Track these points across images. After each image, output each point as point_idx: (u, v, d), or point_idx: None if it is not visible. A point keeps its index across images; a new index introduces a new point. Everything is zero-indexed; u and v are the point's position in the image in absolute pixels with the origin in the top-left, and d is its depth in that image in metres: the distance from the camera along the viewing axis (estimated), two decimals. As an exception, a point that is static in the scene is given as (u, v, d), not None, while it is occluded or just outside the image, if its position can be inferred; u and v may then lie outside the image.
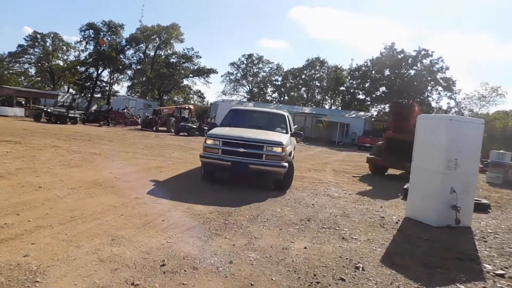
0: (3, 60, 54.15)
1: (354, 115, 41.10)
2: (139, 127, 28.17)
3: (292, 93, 57.42)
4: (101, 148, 12.67)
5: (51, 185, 6.77)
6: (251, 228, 5.47)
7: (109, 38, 44.39)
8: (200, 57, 51.28)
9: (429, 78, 44.73)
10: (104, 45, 42.42)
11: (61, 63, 52.28)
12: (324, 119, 35.99)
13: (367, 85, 48.17)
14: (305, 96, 57.15)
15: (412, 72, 45.41)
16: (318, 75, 55.18)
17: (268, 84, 59.77)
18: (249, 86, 60.57)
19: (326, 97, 56.84)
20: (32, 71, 53.82)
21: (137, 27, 47.84)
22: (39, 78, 56.51)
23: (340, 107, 53.42)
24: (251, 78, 60.01)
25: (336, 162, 17.09)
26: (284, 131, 9.20)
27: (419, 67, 44.58)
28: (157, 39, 48.37)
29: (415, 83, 43.65)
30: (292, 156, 9.54)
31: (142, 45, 47.47)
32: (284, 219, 6.10)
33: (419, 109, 13.11)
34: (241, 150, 7.83)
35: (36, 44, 48.81)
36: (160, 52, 49.91)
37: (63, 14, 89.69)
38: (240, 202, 6.79)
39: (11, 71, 57.09)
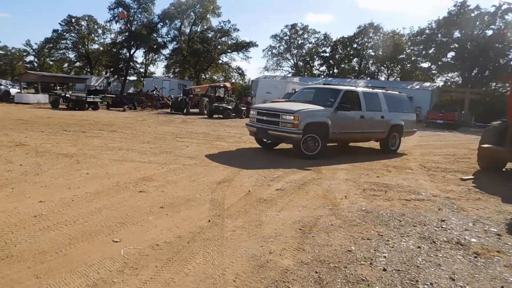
0: (43, 48, 53.16)
1: (418, 87, 34.96)
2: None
3: (343, 65, 51.23)
4: (85, 145, 8.98)
5: None
6: None
7: (140, 16, 40.92)
8: (238, 30, 46.69)
9: (512, 38, 36.87)
10: (124, 19, 38.93)
11: (98, 46, 50.34)
12: (383, 93, 30.46)
13: (431, 51, 41.10)
14: (357, 67, 50.87)
15: (489, 32, 37.63)
16: (372, 43, 48.47)
17: (315, 57, 53.79)
18: (293, 60, 55.07)
19: (382, 67, 50.11)
20: (72, 56, 52.30)
21: (171, 2, 44.13)
22: (79, 64, 55.20)
23: (398, 78, 46.85)
24: (295, 51, 54.32)
25: (416, 150, 12.35)
26: (329, 104, 9.45)
27: (499, 25, 36.74)
28: (192, 14, 44.25)
29: (496, 44, 36.03)
30: (396, 142, 11.28)
31: (176, 21, 43.73)
32: None
33: None
34: (264, 118, 9.35)
35: (71, 28, 46.70)
36: (196, 28, 45.84)
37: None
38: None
39: (52, 58, 56.34)
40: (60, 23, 47.01)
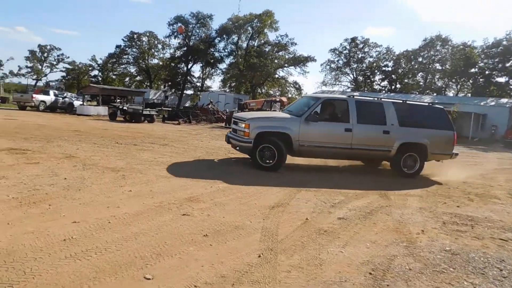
0: (107, 62, 56.51)
1: (493, 103, 31.93)
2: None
3: (406, 80, 48.62)
4: (134, 158, 8.72)
5: None
6: None
7: (198, 31, 42.14)
8: (296, 43, 46.06)
9: None
10: (183, 34, 40.03)
11: (157, 61, 52.62)
12: (454, 109, 27.89)
13: (509, 64, 37.59)
14: (422, 83, 47.96)
15: None
16: (439, 56, 45.45)
17: (375, 71, 51.73)
18: (353, 75, 53.40)
19: (451, 82, 46.78)
20: (133, 70, 55.12)
21: (228, 18, 44.90)
22: (140, 78, 57.94)
23: (469, 94, 43.41)
24: (355, 65, 52.60)
25: (498, 175, 10.78)
26: (300, 114, 8.75)
27: None
28: (250, 28, 44.72)
29: None
30: (415, 165, 9.25)
31: (234, 36, 44.42)
32: None
33: None
34: (232, 126, 9.34)
35: (133, 44, 49.32)
36: (253, 42, 46.22)
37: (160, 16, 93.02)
38: None
39: (115, 73, 59.68)
40: (123, 39, 49.90)
